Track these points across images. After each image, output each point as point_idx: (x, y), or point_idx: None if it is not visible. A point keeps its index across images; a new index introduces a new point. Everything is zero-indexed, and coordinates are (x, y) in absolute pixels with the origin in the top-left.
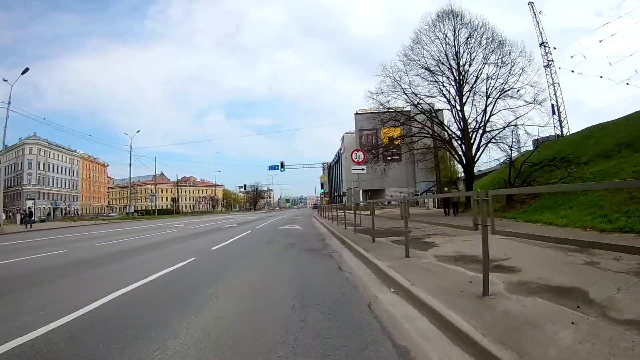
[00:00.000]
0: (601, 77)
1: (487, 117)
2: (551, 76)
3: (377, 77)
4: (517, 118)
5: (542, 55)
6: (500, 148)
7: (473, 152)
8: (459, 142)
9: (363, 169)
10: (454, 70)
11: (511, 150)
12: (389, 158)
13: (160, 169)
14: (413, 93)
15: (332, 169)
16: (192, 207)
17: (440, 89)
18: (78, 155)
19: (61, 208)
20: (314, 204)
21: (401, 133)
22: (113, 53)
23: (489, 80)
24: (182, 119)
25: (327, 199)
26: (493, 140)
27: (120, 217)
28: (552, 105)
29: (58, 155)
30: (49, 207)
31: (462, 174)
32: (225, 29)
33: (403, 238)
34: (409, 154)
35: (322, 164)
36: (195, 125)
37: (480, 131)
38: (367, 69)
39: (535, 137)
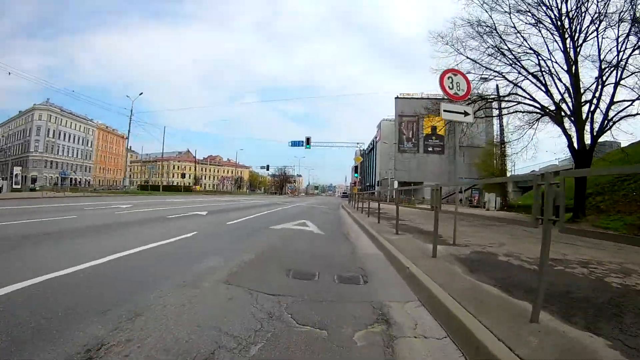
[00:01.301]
0: None
1: (618, 78)
2: None
3: None
4: None
5: None
6: None
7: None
8: (569, 117)
9: (468, 114)
10: (554, 13)
11: None
12: (430, 149)
13: (189, 146)
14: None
15: (365, 158)
16: (214, 186)
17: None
18: (94, 125)
19: (70, 178)
20: (344, 192)
21: (445, 123)
22: (150, 31)
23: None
24: (215, 100)
25: (360, 186)
26: None
27: (121, 191)
28: None
29: (71, 123)
30: (57, 177)
31: (510, 173)
32: (263, 15)
33: None
34: (450, 146)
35: (357, 144)
36: (228, 107)
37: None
38: (403, 67)
39: None
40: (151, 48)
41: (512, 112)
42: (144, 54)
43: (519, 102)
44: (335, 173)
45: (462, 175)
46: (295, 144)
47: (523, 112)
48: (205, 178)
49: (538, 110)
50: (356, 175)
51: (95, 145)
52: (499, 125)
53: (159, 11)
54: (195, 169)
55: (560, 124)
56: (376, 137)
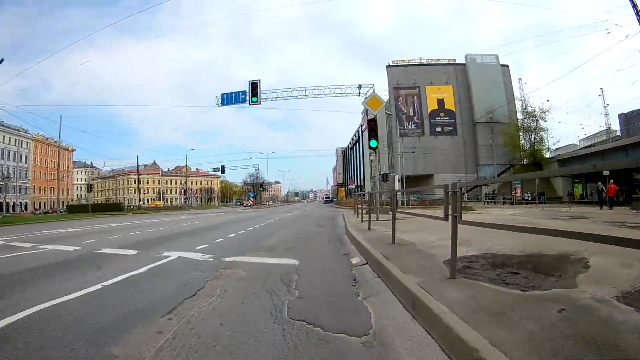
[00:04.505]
0: None
1: None
2: None
3: None
4: None
5: None
6: None
7: None
8: None
9: None
10: None
11: None
12: (437, 129)
13: (157, 159)
14: None
15: (348, 155)
16: (178, 200)
17: None
18: (29, 137)
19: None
20: (326, 197)
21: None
22: (123, 46)
23: None
24: (190, 110)
25: (351, 187)
26: None
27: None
28: None
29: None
30: None
31: (551, 154)
32: (235, 22)
33: None
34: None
35: (359, 89)
36: (205, 117)
37: None
38: (376, 62)
39: None
40: (125, 63)
41: None
42: (119, 70)
43: None
44: (315, 177)
45: (484, 161)
46: (229, 99)
47: None
48: (171, 192)
49: None
50: (373, 143)
51: (32, 160)
52: None
53: (131, 27)
54: (137, 182)
55: None
56: (361, 126)
